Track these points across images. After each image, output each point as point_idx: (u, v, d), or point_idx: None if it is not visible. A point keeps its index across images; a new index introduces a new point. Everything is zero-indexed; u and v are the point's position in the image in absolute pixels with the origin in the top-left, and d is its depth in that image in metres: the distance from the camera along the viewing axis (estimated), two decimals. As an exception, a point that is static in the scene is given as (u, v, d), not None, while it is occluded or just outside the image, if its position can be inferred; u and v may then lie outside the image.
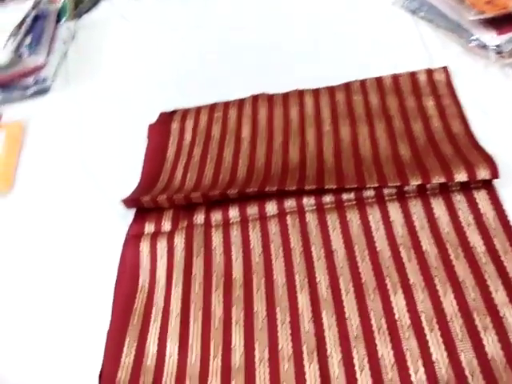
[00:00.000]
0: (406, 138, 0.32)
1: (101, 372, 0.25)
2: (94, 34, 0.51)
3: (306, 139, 0.34)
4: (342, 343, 0.24)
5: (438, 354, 0.23)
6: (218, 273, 0.28)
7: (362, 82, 0.37)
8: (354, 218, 0.29)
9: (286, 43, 0.44)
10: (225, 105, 0.38)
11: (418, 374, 0.22)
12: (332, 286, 0.26)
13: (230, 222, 0.30)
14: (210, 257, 0.28)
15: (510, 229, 0.26)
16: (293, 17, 0.46)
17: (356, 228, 0.28)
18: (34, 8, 0.47)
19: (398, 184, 0.28)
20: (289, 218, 0.29)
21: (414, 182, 0.28)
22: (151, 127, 0.38)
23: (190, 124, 0.37)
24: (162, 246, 0.29)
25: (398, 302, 0.25)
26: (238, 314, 0.26)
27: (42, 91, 0.45)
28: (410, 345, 0.23)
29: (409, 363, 0.23)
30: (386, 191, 0.29)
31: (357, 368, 0.23)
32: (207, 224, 0.30)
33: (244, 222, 0.30)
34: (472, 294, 0.24)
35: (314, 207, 0.29)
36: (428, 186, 0.28)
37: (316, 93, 0.37)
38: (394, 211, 0.28)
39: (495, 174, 0.27)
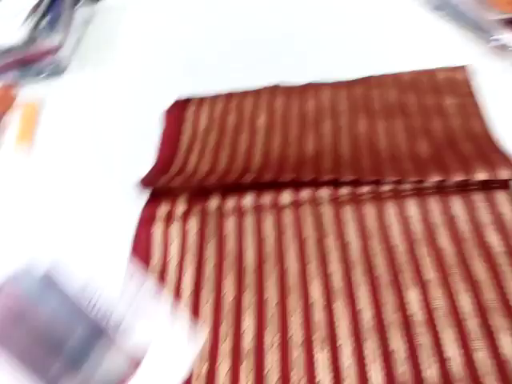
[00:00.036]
0: (424, 135, 0.32)
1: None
2: (110, 18, 0.51)
3: (322, 131, 0.34)
4: (353, 334, 0.24)
5: (452, 351, 0.23)
6: (229, 258, 0.27)
7: (381, 78, 0.37)
8: (370, 211, 0.28)
9: (305, 34, 0.43)
10: (241, 94, 0.38)
11: (430, 370, 0.22)
12: (345, 278, 0.26)
13: (244, 209, 0.30)
14: (222, 242, 0.28)
15: (529, 230, 0.26)
16: (314, 6, 0.46)
17: (372, 221, 0.28)
18: (52, -11, 0.47)
19: (417, 179, 0.28)
20: (303, 209, 0.29)
21: (433, 178, 0.28)
22: (166, 113, 0.38)
23: (205, 111, 0.37)
24: (174, 229, 0.29)
25: (413, 297, 0.24)
26: (249, 299, 0.26)
27: (58, 72, 0.45)
28: (424, 341, 0.23)
29: (421, 359, 0.22)
30: (403, 186, 0.29)
31: (368, 360, 0.23)
32: (221, 210, 0.30)
33: (258, 210, 0.29)
34: (488, 294, 0.24)
35: (330, 199, 0.29)
36: (447, 183, 0.28)
37: (334, 86, 0.37)
38: (412, 207, 0.28)
39: (516, 174, 0.27)
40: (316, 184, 0.29)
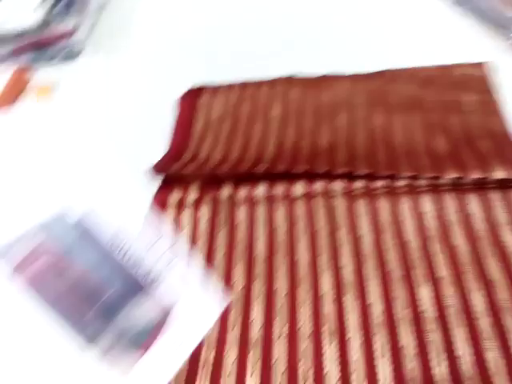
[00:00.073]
0: (442, 131, 0.31)
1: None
2: (125, 4, 0.51)
3: (337, 124, 0.33)
4: (362, 328, 0.23)
5: (463, 350, 0.22)
6: (240, 248, 0.27)
7: (399, 72, 0.36)
8: (384, 205, 0.28)
9: (322, 25, 0.43)
10: (256, 84, 0.37)
11: (440, 368, 0.22)
12: (356, 271, 0.25)
13: (256, 199, 0.29)
14: (233, 231, 0.28)
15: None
16: None
17: (385, 216, 0.27)
18: (68, -27, 0.47)
19: (433, 175, 0.28)
20: (316, 201, 0.29)
21: (450, 175, 0.27)
22: (180, 100, 0.37)
23: (219, 100, 0.37)
24: (186, 216, 0.29)
25: (425, 294, 0.24)
26: (258, 289, 0.25)
27: (72, 57, 0.45)
28: (434, 338, 0.23)
29: (431, 356, 0.22)
30: (419, 182, 0.28)
31: (376, 354, 0.23)
32: (233, 199, 0.29)
33: (270, 200, 0.29)
34: (501, 294, 0.24)
35: (343, 192, 0.29)
36: (464, 180, 0.27)
37: (350, 78, 0.36)
38: (427, 203, 0.28)
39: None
40: (330, 177, 0.29)
